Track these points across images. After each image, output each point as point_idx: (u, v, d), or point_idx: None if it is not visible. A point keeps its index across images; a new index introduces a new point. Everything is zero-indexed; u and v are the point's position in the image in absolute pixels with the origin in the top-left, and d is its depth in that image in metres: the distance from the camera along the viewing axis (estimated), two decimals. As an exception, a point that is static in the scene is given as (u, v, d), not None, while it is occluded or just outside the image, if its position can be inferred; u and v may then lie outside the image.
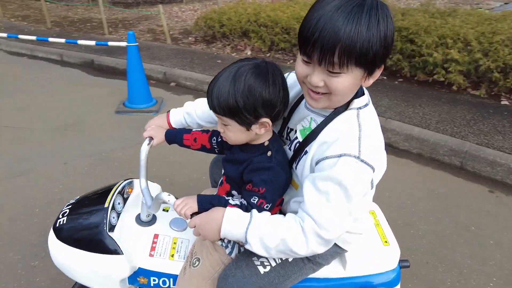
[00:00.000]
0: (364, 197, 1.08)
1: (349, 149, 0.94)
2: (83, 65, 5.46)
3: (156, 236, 1.31)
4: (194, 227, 1.10)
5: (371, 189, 1.07)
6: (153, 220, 1.34)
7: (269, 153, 1.11)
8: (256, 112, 1.03)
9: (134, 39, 3.87)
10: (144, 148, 1.26)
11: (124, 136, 3.37)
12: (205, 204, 1.12)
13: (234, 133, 1.09)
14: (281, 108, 1.07)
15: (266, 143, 1.13)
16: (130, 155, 3.04)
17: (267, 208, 1.09)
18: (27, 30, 7.08)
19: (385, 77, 4.32)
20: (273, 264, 1.15)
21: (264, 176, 1.08)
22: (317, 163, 0.99)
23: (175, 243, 1.31)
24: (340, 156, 0.94)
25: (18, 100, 4.21)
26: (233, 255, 1.22)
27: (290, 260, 1.17)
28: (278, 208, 1.21)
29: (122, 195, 1.34)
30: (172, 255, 1.28)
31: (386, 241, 1.34)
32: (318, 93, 0.97)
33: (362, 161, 0.93)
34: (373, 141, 0.98)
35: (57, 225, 1.25)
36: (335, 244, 1.20)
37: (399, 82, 4.24)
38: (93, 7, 9.64)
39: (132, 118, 3.79)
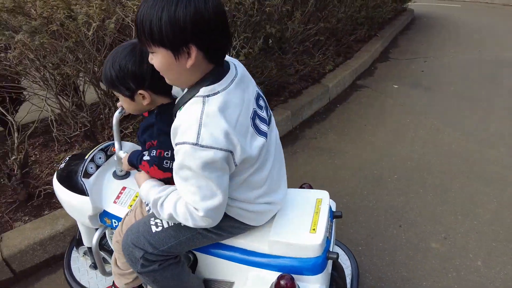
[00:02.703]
0: (239, 172, 1.12)
1: (189, 136, 0.99)
2: None
3: (124, 188, 1.60)
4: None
5: (236, 166, 1.07)
6: (126, 175, 1.63)
7: (155, 111, 1.26)
8: (127, 84, 1.18)
9: None
10: (116, 115, 1.52)
11: None
12: (132, 159, 1.35)
13: (125, 104, 1.28)
14: (154, 82, 1.17)
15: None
16: None
17: (168, 156, 1.20)
18: None
19: None
20: (165, 225, 1.28)
21: (150, 132, 1.24)
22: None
23: (137, 196, 1.58)
24: (183, 143, 0.99)
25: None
26: (150, 212, 1.41)
27: (182, 224, 1.22)
28: None
29: (106, 152, 1.66)
30: (131, 205, 1.55)
31: (314, 229, 1.32)
32: None
33: (202, 146, 0.98)
34: (217, 125, 0.99)
35: (59, 168, 1.65)
36: (234, 218, 1.26)
37: None
38: None
39: None
